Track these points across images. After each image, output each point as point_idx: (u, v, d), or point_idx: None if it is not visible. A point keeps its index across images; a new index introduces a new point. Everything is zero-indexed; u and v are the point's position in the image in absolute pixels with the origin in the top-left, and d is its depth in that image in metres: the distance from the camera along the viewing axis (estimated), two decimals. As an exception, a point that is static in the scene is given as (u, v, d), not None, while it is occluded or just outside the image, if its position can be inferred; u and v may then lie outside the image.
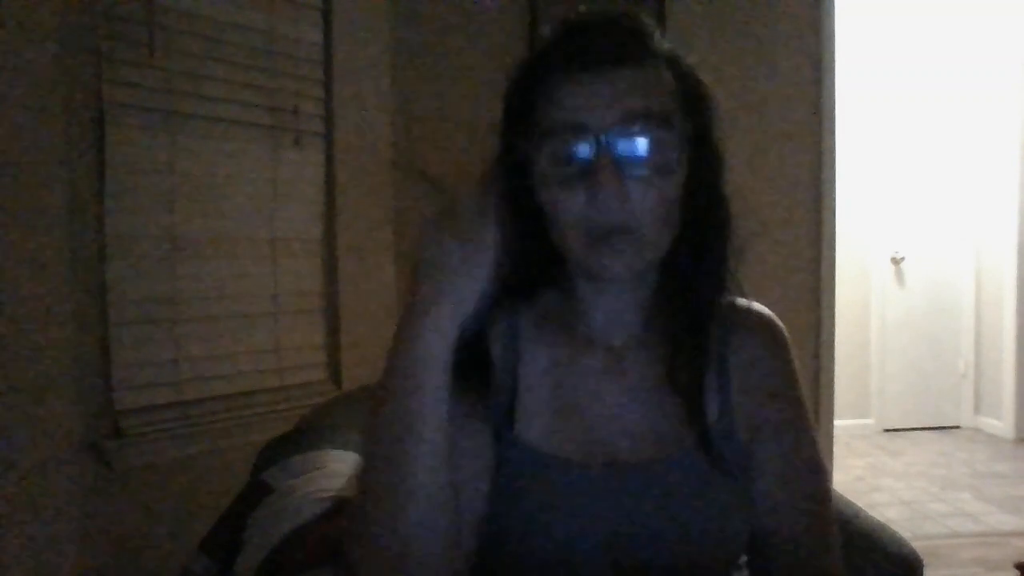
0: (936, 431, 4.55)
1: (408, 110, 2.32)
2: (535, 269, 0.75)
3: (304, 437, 1.17)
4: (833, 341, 2.48)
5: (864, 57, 4.31)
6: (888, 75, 4.47)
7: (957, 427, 4.60)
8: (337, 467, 1.04)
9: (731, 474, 0.71)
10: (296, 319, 2.05)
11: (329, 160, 2.11)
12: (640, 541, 0.68)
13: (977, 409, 4.59)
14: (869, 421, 4.57)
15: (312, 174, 2.08)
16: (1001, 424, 4.38)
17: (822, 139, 2.44)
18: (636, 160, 0.65)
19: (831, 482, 0.78)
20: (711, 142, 0.71)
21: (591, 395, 0.74)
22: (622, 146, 0.64)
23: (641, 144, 0.65)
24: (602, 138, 0.64)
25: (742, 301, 0.78)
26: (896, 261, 4.57)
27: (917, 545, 1.06)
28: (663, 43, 0.70)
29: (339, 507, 0.95)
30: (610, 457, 0.71)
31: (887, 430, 4.57)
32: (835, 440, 2.60)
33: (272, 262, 1.98)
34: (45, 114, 1.52)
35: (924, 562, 1.02)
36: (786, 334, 0.78)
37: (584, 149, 0.65)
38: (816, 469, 0.75)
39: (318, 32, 2.08)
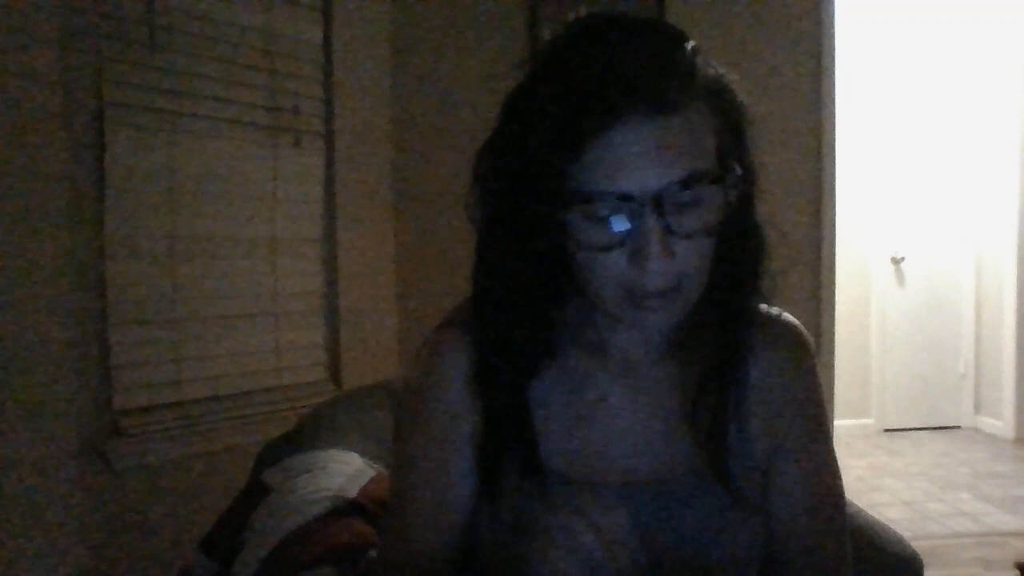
0: (936, 431, 4.55)
1: (408, 110, 2.32)
2: (551, 279, 0.68)
3: (304, 437, 1.16)
4: (833, 341, 2.48)
5: (864, 57, 4.31)
6: (888, 75, 4.47)
7: (957, 427, 4.60)
8: (337, 467, 1.04)
9: (746, 501, 0.69)
10: (296, 319, 2.05)
11: (329, 160, 2.11)
12: (655, 565, 0.67)
13: (977, 409, 4.59)
14: (869, 421, 4.57)
15: (312, 174, 2.08)
16: (1001, 424, 4.38)
17: (822, 139, 2.44)
18: (685, 225, 0.59)
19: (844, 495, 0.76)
20: (749, 171, 0.65)
21: (605, 409, 0.71)
22: (670, 211, 0.58)
23: (691, 208, 0.59)
24: (648, 205, 0.57)
25: (767, 309, 0.75)
26: (896, 261, 4.57)
27: (917, 545, 1.06)
28: (706, 70, 0.62)
29: (339, 507, 0.95)
30: (626, 476, 0.69)
31: (887, 430, 4.57)
32: (835, 440, 2.59)
33: (272, 262, 1.98)
34: (45, 114, 1.52)
35: (924, 562, 1.02)
36: (812, 346, 0.76)
37: (627, 217, 0.58)
38: (836, 490, 0.74)
39: (318, 32, 2.08)
